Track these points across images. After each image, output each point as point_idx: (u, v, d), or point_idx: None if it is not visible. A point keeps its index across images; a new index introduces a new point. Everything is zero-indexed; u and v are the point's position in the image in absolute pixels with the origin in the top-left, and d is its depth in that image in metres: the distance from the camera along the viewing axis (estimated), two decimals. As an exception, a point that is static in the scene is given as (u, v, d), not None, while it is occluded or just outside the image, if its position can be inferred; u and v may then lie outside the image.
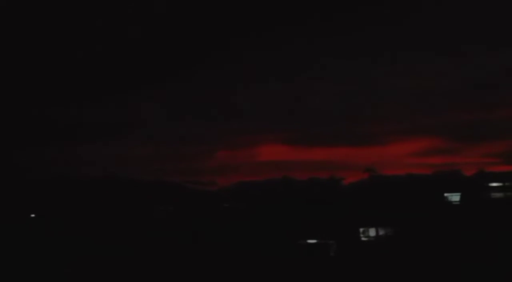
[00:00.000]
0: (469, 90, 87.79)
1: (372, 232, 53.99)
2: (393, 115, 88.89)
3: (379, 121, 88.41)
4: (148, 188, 67.80)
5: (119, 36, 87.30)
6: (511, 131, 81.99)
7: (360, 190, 64.71)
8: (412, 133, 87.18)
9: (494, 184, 57.03)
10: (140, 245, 49.94)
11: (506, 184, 56.46)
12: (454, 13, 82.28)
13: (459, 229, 48.77)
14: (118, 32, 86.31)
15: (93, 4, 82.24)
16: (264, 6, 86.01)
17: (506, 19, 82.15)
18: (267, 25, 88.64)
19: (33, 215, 60.14)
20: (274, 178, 71.23)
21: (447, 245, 46.65)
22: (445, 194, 57.25)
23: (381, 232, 53.84)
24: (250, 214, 57.91)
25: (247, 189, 70.46)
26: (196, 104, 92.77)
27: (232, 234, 52.40)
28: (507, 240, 45.21)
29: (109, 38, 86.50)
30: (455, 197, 57.00)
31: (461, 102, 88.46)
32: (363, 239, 53.86)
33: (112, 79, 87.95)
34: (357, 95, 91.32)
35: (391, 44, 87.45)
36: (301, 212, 56.03)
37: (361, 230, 54.06)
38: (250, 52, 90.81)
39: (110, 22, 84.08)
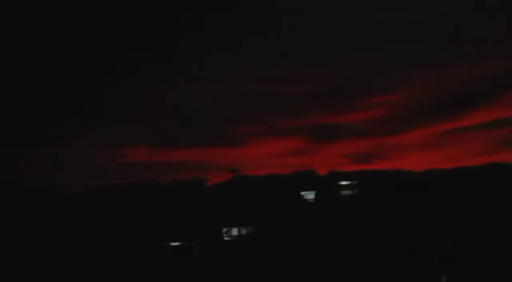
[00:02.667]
0: (324, 96, 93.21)
1: (234, 232, 55.76)
2: (255, 118, 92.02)
3: (242, 123, 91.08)
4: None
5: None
6: (359, 133, 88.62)
7: (224, 190, 66.18)
8: (273, 134, 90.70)
9: (344, 182, 60.65)
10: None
11: (354, 182, 60.30)
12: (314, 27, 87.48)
13: (314, 224, 51.91)
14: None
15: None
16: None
17: (356, 29, 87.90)
18: (134, 27, 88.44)
19: None
20: (138, 180, 71.00)
21: (303, 240, 49.53)
22: (301, 193, 60.11)
23: (243, 231, 55.74)
24: (113, 217, 57.71)
25: (110, 192, 69.66)
26: (58, 105, 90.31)
27: (96, 239, 52.16)
28: (354, 232, 49.05)
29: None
30: (310, 195, 60.01)
31: (317, 107, 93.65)
32: (226, 238, 55.47)
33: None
34: (221, 97, 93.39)
35: (255, 51, 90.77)
36: (165, 214, 56.67)
37: (224, 230, 55.67)
38: (116, 55, 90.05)
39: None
